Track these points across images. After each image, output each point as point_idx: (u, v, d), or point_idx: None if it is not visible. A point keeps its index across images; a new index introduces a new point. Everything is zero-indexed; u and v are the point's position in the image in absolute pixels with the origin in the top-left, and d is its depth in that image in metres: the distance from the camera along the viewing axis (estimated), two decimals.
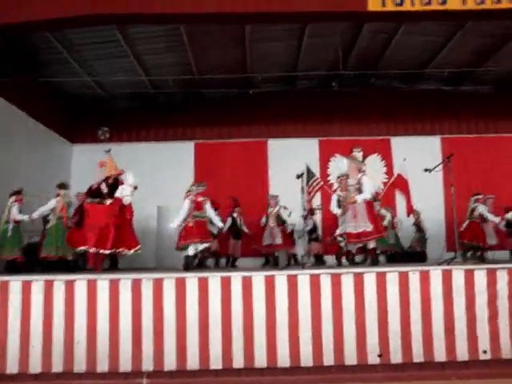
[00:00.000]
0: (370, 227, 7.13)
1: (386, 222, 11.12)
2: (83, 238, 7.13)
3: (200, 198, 8.34)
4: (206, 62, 11.45)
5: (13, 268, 8.11)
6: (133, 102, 13.34)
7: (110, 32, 9.75)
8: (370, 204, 7.39)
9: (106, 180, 7.66)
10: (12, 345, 5.07)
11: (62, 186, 8.76)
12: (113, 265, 9.61)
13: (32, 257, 8.56)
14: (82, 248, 7.17)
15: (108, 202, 7.50)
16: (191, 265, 8.09)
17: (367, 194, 7.30)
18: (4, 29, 7.99)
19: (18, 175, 8.65)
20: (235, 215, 11.18)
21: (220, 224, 8.62)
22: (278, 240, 10.67)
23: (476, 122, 13.55)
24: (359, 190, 7.37)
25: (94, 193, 7.63)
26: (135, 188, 7.70)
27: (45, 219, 8.83)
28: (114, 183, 7.63)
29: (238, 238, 11.16)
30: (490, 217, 10.27)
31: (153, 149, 13.17)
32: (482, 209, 10.32)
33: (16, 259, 8.29)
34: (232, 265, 11.03)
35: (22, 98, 10.49)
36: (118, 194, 7.52)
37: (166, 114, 13.28)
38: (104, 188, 7.57)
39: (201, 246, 8.20)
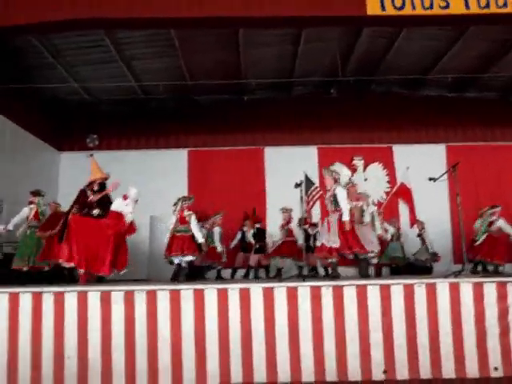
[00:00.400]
0: (337, 243, 7.18)
1: (388, 236, 11.22)
2: (69, 253, 6.92)
3: (185, 213, 8.68)
4: (198, 67, 11.54)
5: None
6: (123, 109, 13.38)
7: (97, 36, 9.85)
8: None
9: (90, 186, 7.54)
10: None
11: (36, 193, 8.67)
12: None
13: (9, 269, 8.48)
14: (68, 264, 7.05)
15: (95, 211, 7.37)
16: (178, 276, 8.45)
17: (346, 214, 7.23)
18: None
19: (3, 185, 8.61)
20: (245, 229, 11.40)
21: (201, 240, 8.78)
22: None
23: (482, 129, 13.64)
24: (334, 201, 7.47)
25: (82, 203, 7.44)
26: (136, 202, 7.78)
27: None
28: (101, 189, 7.56)
29: (246, 251, 11.31)
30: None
31: (144, 157, 13.20)
32: (502, 224, 10.38)
33: None
34: (232, 276, 11.34)
35: (6, 105, 10.54)
36: (116, 207, 7.48)
37: (158, 121, 13.33)
38: (91, 196, 7.45)
39: (185, 259, 8.54)
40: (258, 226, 11.43)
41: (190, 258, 8.56)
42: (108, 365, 5.02)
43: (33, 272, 8.20)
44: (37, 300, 5.18)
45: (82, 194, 7.48)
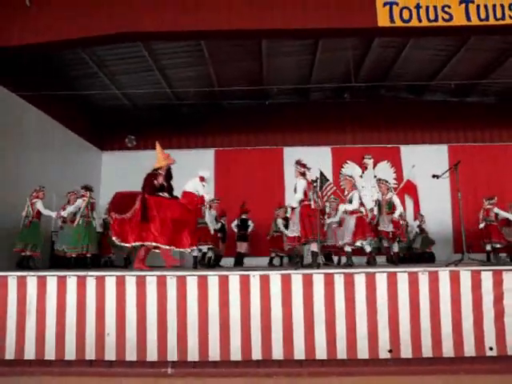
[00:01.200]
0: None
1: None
2: (155, 233, 6.45)
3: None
4: (225, 75, 11.56)
5: (26, 263, 8.08)
6: (157, 113, 13.50)
7: (136, 48, 9.95)
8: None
9: (157, 170, 7.16)
10: (49, 335, 5.15)
11: (87, 187, 8.74)
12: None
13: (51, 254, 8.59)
14: (154, 244, 6.55)
15: (165, 194, 7.03)
16: (197, 264, 8.26)
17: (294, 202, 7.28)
18: (42, 47, 8.17)
19: (53, 179, 8.75)
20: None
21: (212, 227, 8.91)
22: None
23: (481, 131, 13.50)
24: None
25: (152, 187, 6.96)
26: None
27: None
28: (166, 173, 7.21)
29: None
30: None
31: (175, 155, 13.04)
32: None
33: (32, 255, 8.19)
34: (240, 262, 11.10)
35: (57, 109, 10.70)
36: (191, 188, 7.25)
37: (188, 124, 13.41)
38: (160, 180, 7.09)
39: (203, 248, 8.70)
40: (244, 216, 11.24)
41: (207, 246, 8.73)
42: (143, 341, 5.07)
43: (77, 258, 8.29)
44: (81, 283, 5.25)
45: (151, 177, 7.09)
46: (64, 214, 8.53)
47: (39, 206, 8.29)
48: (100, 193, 12.30)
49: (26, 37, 7.89)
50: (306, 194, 7.18)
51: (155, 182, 6.97)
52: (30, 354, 5.13)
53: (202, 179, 7.58)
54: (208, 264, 9.05)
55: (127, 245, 6.57)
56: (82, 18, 7.86)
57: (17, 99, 9.37)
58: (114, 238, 6.59)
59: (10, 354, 5.14)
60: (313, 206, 7.10)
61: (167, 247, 6.60)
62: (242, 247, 11.13)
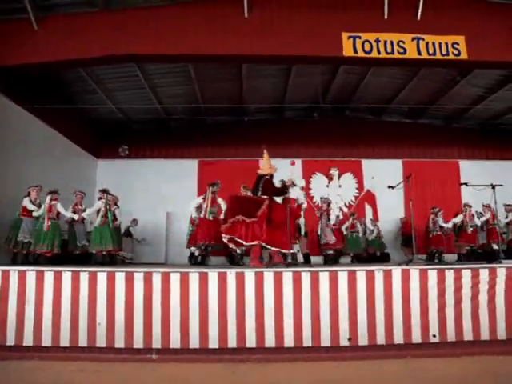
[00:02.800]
0: None
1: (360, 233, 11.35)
2: (267, 235, 6.22)
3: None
4: (209, 94, 11.56)
5: (45, 261, 7.63)
6: (148, 125, 13.41)
7: (130, 68, 9.89)
8: None
9: (270, 177, 6.79)
10: (46, 324, 5.08)
11: (105, 191, 8.39)
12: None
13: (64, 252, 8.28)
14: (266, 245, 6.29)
15: (278, 199, 6.63)
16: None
17: None
18: (47, 65, 8.10)
19: (52, 184, 8.57)
20: None
21: None
22: None
23: (430, 148, 13.74)
24: None
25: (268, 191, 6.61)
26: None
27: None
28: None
29: None
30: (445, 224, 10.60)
31: (163, 164, 13.22)
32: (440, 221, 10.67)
33: (51, 253, 7.73)
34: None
35: (58, 121, 10.55)
36: (293, 196, 6.92)
37: (175, 136, 13.36)
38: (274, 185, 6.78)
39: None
40: None
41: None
42: (130, 330, 5.03)
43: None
44: (75, 277, 5.19)
45: (269, 183, 6.73)
46: (85, 215, 8.28)
47: (59, 208, 7.92)
48: (95, 197, 12.15)
49: (33, 56, 7.81)
50: None
51: (273, 187, 6.71)
52: (28, 340, 5.05)
53: (303, 189, 7.63)
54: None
55: (247, 244, 6.33)
56: (81, 41, 7.83)
57: (22, 112, 9.21)
58: (235, 237, 6.33)
59: (10, 340, 5.05)
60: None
61: (274, 248, 6.43)
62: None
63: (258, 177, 6.85)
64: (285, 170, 12.43)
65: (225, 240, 6.48)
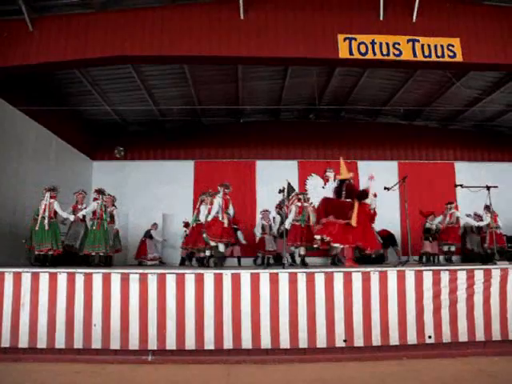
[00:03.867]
0: None
1: None
2: (359, 236, 6.53)
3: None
4: (205, 95, 11.56)
5: (43, 261, 7.39)
6: (144, 127, 13.39)
7: (126, 70, 9.86)
8: None
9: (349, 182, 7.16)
10: (41, 326, 5.07)
11: (100, 191, 8.26)
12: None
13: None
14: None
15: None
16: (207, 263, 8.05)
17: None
18: (42, 66, 8.07)
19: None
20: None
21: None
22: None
23: (426, 150, 13.84)
24: None
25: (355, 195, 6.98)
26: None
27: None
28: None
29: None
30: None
31: (159, 166, 13.22)
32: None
33: (55, 253, 7.47)
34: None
35: (53, 122, 10.54)
36: (368, 201, 7.22)
37: (171, 137, 13.34)
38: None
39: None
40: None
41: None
42: (126, 331, 5.04)
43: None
44: (70, 278, 5.19)
45: (352, 187, 7.20)
46: (80, 215, 8.08)
47: (56, 207, 7.60)
48: (89, 198, 12.14)
49: (28, 57, 7.78)
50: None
51: (357, 191, 7.05)
52: (23, 342, 5.05)
53: (375, 195, 7.97)
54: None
55: (346, 245, 6.65)
56: (77, 42, 7.78)
57: (17, 113, 9.20)
58: (326, 238, 6.62)
59: (5, 342, 5.05)
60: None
61: (368, 250, 6.76)
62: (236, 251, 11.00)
63: (340, 182, 7.28)
64: (278, 170, 12.64)
65: (317, 239, 6.87)
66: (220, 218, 7.69)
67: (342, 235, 6.58)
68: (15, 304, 5.11)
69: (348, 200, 6.89)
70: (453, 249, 10.47)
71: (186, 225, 11.02)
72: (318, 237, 6.84)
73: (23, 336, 5.05)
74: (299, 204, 7.95)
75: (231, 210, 8.09)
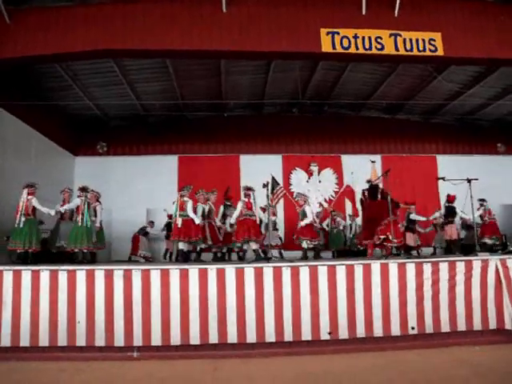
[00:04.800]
0: None
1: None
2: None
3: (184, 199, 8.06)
4: (188, 90, 11.48)
5: (24, 259, 7.32)
6: (126, 122, 13.24)
7: (107, 64, 9.73)
8: None
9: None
10: (24, 324, 5.00)
11: (84, 188, 8.12)
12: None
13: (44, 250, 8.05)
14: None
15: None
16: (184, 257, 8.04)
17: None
18: (21, 60, 7.91)
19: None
20: None
21: (197, 221, 7.98)
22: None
23: (409, 143, 14.01)
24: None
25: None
26: None
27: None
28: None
29: None
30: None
31: (143, 161, 13.11)
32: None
33: (32, 251, 7.39)
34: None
35: (34, 118, 10.35)
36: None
37: (154, 132, 13.23)
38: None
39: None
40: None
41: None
42: (110, 328, 5.00)
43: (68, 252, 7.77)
44: (53, 276, 5.13)
45: (383, 190, 7.97)
46: (62, 209, 7.99)
47: (35, 203, 7.52)
48: (73, 195, 11.99)
49: (5, 51, 7.61)
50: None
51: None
52: (5, 341, 4.97)
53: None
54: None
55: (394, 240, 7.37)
56: (56, 36, 7.65)
57: None
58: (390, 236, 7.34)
59: None
60: None
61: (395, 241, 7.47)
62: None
63: (373, 186, 8.16)
64: (262, 165, 12.62)
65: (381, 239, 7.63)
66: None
67: (399, 232, 7.67)
68: None
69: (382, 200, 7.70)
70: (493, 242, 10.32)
71: (170, 216, 10.73)
72: (382, 236, 7.59)
73: (5, 335, 4.97)
74: (246, 200, 7.88)
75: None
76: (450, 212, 10.10)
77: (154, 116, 12.86)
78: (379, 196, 7.87)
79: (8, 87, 9.30)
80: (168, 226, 11.16)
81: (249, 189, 8.00)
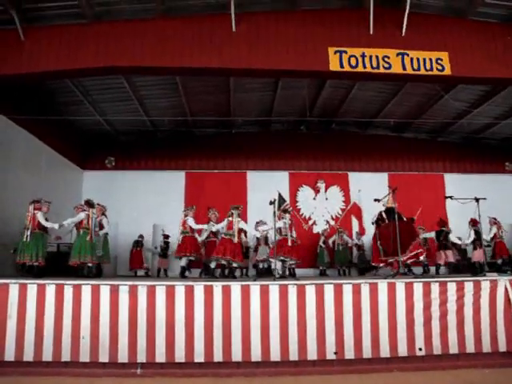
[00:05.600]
0: None
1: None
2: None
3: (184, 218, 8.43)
4: (196, 106, 11.60)
5: (29, 272, 7.45)
6: (135, 137, 13.38)
7: (117, 80, 9.89)
8: None
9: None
10: (28, 338, 4.97)
11: (89, 203, 8.15)
12: None
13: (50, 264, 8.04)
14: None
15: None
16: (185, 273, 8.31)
17: None
18: (34, 75, 8.06)
19: (39, 194, 8.43)
20: None
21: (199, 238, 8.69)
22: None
23: (416, 162, 13.97)
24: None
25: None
26: None
27: None
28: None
29: None
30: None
31: (150, 176, 13.16)
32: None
33: (38, 264, 7.53)
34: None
35: (44, 131, 10.48)
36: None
37: (162, 148, 13.33)
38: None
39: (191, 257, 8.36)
40: None
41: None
42: (114, 344, 4.96)
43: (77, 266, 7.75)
44: (59, 290, 5.10)
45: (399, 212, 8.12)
46: (65, 223, 7.96)
47: (40, 217, 7.69)
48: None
49: (19, 66, 7.76)
50: None
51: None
52: (9, 355, 4.93)
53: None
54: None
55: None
56: (68, 53, 7.81)
57: (7, 122, 9.14)
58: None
59: None
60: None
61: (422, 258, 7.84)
62: None
63: (391, 209, 8.03)
64: (269, 181, 12.62)
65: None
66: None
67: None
68: (1, 315, 5.00)
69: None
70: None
71: (166, 236, 11.54)
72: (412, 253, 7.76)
73: (9, 348, 4.93)
74: (231, 219, 7.86)
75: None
76: (477, 235, 9.95)
77: (162, 132, 12.97)
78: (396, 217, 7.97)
79: (19, 101, 9.45)
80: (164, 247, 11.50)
81: (235, 208, 8.05)
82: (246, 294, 5.18)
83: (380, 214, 8.27)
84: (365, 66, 7.94)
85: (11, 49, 7.76)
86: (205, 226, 8.67)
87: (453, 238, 10.28)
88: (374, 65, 7.91)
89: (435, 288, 5.37)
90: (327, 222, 13.24)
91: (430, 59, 7.99)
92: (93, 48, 7.84)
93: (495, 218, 9.86)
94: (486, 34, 8.39)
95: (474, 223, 9.82)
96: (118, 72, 8.81)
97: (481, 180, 13.14)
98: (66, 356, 4.94)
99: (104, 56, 7.85)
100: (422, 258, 7.80)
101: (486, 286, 5.43)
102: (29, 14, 7.79)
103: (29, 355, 4.93)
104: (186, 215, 8.44)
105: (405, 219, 7.73)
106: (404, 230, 7.73)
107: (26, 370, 4.91)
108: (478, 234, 9.79)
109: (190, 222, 8.32)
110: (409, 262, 7.80)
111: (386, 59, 7.92)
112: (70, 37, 7.92)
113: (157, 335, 5.00)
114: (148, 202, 12.56)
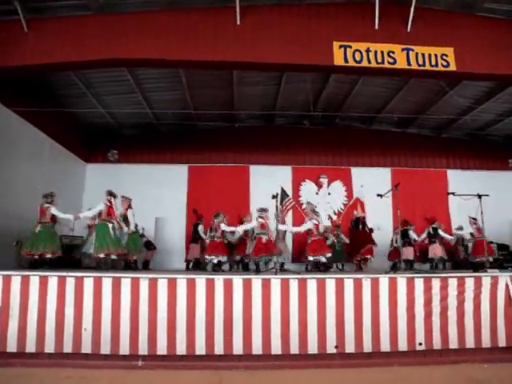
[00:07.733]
0: None
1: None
2: None
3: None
4: (200, 100, 11.56)
5: (39, 264, 7.32)
6: (138, 130, 13.37)
7: (121, 73, 9.86)
8: None
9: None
10: (30, 330, 5.01)
11: (111, 193, 8.05)
12: None
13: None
14: None
15: None
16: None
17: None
18: (37, 67, 8.04)
19: (42, 187, 8.45)
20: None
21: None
22: None
23: (419, 157, 13.91)
24: None
25: None
26: None
27: None
28: None
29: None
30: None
31: (153, 170, 13.15)
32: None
33: (51, 255, 7.44)
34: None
35: (47, 124, 10.47)
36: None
37: (165, 141, 13.30)
38: None
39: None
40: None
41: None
42: (116, 336, 5.00)
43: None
44: (61, 282, 5.14)
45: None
46: (81, 215, 8.02)
47: (54, 211, 7.66)
48: (83, 201, 12.09)
49: (22, 58, 7.75)
50: None
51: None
52: (12, 346, 4.98)
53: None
54: None
55: None
56: (72, 44, 7.76)
57: (10, 114, 9.14)
58: None
59: None
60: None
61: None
62: None
63: (358, 218, 10.85)
64: (272, 176, 12.62)
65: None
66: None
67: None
68: (4, 307, 5.04)
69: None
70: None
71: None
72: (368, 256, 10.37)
73: (11, 340, 4.98)
74: (261, 220, 8.52)
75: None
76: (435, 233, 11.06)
77: (165, 125, 12.96)
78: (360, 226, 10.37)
79: (22, 93, 9.45)
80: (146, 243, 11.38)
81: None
82: (247, 287, 5.20)
83: (351, 221, 10.36)
84: (369, 61, 7.89)
85: (14, 41, 7.75)
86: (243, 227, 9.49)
87: (413, 235, 11.16)
88: (379, 60, 7.86)
89: (436, 283, 5.39)
90: (329, 216, 13.24)
91: (436, 55, 7.93)
92: (97, 40, 7.80)
93: (475, 219, 9.85)
94: (492, 30, 8.33)
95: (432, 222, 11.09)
96: (121, 64, 8.80)
97: (484, 177, 13.12)
98: (67, 348, 4.99)
99: (108, 48, 7.82)
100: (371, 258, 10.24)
101: (486, 282, 5.45)
102: (32, 5, 7.76)
103: (31, 347, 4.98)
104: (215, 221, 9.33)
105: (367, 229, 10.04)
106: (361, 237, 10.24)
107: (28, 362, 4.97)
108: (435, 231, 10.86)
109: (224, 226, 9.03)
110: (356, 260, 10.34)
111: (391, 54, 7.87)
112: (73, 29, 7.88)
113: (158, 328, 5.04)
114: (151, 196, 12.56)
